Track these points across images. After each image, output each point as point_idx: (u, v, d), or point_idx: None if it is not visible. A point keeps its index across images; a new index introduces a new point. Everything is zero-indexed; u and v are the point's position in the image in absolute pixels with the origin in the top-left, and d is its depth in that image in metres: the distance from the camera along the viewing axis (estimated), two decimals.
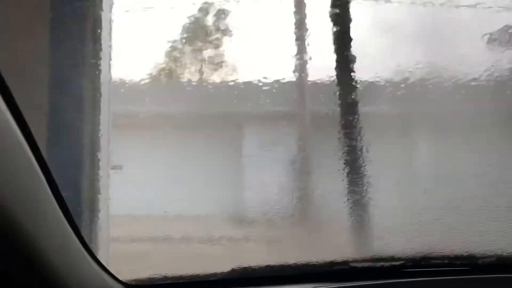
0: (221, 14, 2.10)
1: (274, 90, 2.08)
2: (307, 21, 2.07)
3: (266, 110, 2.11)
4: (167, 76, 2.07)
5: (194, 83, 2.11)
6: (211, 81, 2.21)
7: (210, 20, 2.09)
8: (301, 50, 2.04)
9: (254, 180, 2.06)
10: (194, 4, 2.06)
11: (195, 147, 2.00)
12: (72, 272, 0.82)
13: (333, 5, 2.00)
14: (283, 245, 1.83)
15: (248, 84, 2.07)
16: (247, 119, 2.14)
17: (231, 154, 2.07)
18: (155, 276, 1.05)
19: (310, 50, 2.04)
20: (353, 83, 1.96)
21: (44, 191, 0.73)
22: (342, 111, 1.92)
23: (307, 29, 2.05)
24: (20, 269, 0.73)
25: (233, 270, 1.10)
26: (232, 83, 2.10)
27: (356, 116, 1.90)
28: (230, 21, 2.10)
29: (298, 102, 2.05)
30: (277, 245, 1.86)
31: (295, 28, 2.05)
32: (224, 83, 2.21)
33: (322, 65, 2.06)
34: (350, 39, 1.98)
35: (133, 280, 1.00)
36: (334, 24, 1.99)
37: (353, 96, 1.95)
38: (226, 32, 2.20)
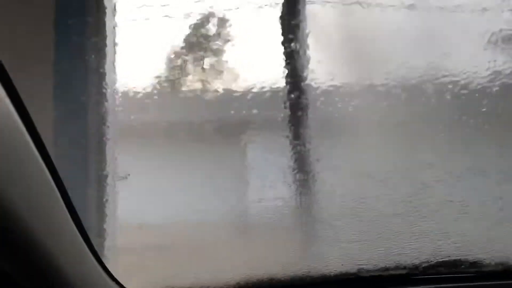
0: (222, 22, 2.11)
1: (277, 96, 2.08)
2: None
3: (269, 116, 2.11)
4: (169, 85, 2.08)
5: (196, 92, 2.12)
6: (213, 89, 2.22)
7: (211, 28, 2.11)
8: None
9: (257, 187, 2.06)
10: (195, 13, 2.07)
11: (199, 155, 2.00)
12: (80, 281, 0.82)
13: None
14: (288, 253, 1.82)
15: (249, 91, 2.08)
16: (250, 127, 2.14)
17: (235, 162, 2.07)
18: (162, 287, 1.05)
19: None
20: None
21: (55, 199, 0.73)
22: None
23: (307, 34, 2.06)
24: (27, 275, 0.73)
25: (238, 284, 1.10)
26: (234, 91, 2.10)
27: None
28: (231, 29, 2.12)
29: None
30: (281, 254, 1.85)
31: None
32: (226, 91, 2.22)
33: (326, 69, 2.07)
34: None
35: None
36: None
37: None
38: (227, 40, 2.22)
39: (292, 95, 2.00)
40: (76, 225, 0.81)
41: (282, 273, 1.52)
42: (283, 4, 2.00)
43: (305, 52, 1.99)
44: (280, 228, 1.84)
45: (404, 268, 1.42)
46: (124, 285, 0.97)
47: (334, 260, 1.75)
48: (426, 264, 1.61)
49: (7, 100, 0.60)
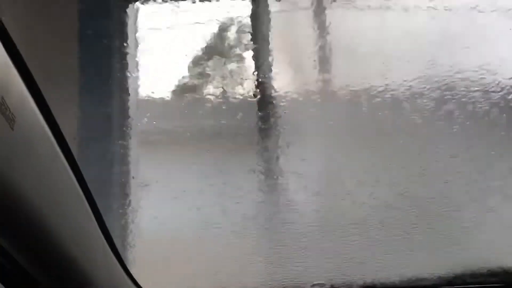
0: (243, 29, 2.12)
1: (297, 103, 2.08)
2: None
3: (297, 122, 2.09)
4: (191, 91, 2.09)
5: (217, 98, 2.13)
6: (234, 95, 2.23)
7: (232, 35, 2.12)
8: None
9: (281, 192, 2.05)
10: (216, 20, 2.09)
11: (221, 161, 2.01)
12: (105, 286, 0.83)
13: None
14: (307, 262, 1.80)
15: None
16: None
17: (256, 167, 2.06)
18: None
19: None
20: None
21: (82, 206, 0.74)
22: None
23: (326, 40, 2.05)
24: (55, 280, 0.74)
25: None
26: (255, 97, 2.11)
27: None
28: (251, 36, 2.12)
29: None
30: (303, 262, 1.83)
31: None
32: (247, 97, 2.23)
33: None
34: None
35: None
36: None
37: None
38: (248, 46, 2.22)
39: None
40: (102, 231, 0.82)
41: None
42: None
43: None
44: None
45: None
46: None
47: None
48: None
49: (36, 110, 0.61)
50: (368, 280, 1.63)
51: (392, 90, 2.00)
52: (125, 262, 0.94)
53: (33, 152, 0.60)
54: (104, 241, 0.83)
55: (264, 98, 2.09)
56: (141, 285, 1.03)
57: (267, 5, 2.17)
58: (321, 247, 1.74)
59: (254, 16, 2.15)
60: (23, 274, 0.70)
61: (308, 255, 1.73)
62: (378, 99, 1.99)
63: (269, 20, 2.14)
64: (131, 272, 0.98)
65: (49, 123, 0.64)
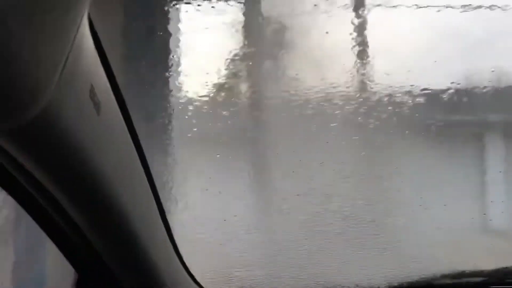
0: (281, 28, 2.11)
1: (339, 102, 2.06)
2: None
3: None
4: (228, 92, 2.09)
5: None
6: (271, 95, 2.21)
7: (269, 35, 2.11)
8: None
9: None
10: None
11: (262, 159, 2.00)
12: (168, 280, 0.83)
13: None
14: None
15: (309, 96, 2.06)
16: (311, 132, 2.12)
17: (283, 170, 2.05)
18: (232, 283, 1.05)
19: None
20: None
21: (152, 203, 0.75)
22: None
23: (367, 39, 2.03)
24: (130, 275, 0.74)
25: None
26: (293, 97, 2.09)
27: None
28: (289, 36, 2.11)
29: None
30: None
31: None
32: (282, 97, 2.21)
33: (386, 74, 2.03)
34: None
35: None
36: None
37: None
38: (285, 46, 2.21)
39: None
40: (165, 226, 0.83)
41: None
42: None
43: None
44: None
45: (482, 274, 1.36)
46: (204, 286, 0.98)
47: None
48: None
49: (115, 100, 0.62)
50: None
51: (433, 90, 1.97)
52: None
53: (113, 139, 0.61)
54: (166, 234, 0.84)
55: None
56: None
57: (304, 4, 2.16)
58: None
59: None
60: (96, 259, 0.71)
61: None
62: (420, 99, 1.96)
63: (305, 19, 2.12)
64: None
65: (123, 113, 0.66)
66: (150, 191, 0.75)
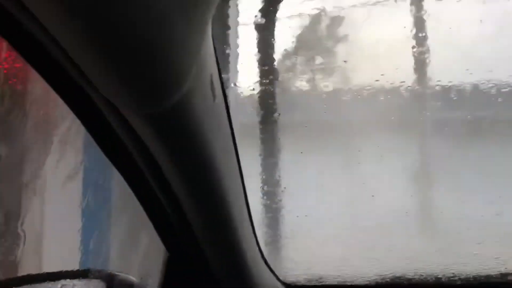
0: (336, 21, 2.07)
1: (392, 96, 2.01)
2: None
3: (384, 116, 2.04)
4: (281, 86, 2.07)
5: (308, 92, 2.10)
6: (325, 90, 2.18)
7: (324, 28, 2.07)
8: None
9: (373, 190, 2.00)
10: (307, 13, 2.05)
11: (309, 155, 1.98)
12: (255, 277, 0.83)
13: None
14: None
15: (365, 91, 2.02)
16: (366, 128, 2.08)
17: (345, 163, 2.02)
18: (312, 278, 1.03)
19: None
20: None
21: (244, 201, 0.76)
22: None
23: (427, 32, 1.97)
24: (228, 274, 0.76)
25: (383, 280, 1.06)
26: (347, 91, 2.06)
27: None
28: (344, 29, 2.07)
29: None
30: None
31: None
32: (338, 92, 2.18)
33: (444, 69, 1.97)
34: None
35: (291, 280, 0.99)
36: None
37: None
38: (340, 39, 2.17)
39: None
40: (251, 223, 0.83)
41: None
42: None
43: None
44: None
45: None
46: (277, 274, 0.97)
47: None
48: None
49: (221, 93, 0.63)
50: None
51: (497, 84, 1.90)
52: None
53: (221, 128, 0.63)
54: (251, 228, 0.83)
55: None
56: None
57: None
58: None
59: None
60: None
61: None
62: (483, 94, 1.89)
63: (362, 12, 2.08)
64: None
65: (226, 106, 0.67)
66: (241, 181, 0.75)
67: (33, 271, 1.34)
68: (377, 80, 1.84)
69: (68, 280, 0.75)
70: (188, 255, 0.77)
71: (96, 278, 0.76)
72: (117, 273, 0.76)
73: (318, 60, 2.07)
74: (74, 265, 1.23)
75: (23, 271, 1.29)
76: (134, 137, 0.57)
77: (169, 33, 0.41)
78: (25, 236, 1.33)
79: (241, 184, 0.76)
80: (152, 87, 0.46)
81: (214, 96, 0.58)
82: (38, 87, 1.35)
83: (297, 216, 1.70)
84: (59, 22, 0.40)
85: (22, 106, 1.31)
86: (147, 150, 0.59)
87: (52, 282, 0.74)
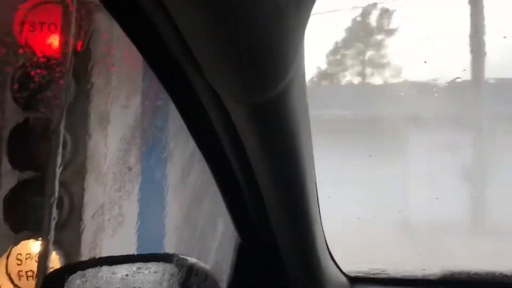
0: (385, 14, 2.04)
1: (445, 91, 1.97)
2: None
3: (437, 112, 2.00)
4: (329, 79, 2.06)
5: (357, 85, 2.08)
6: (374, 83, 2.16)
7: (373, 21, 2.05)
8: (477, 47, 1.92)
9: (421, 185, 1.97)
10: (359, 6, 2.03)
11: (359, 150, 1.95)
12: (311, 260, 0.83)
13: None
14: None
15: (415, 84, 1.98)
16: (414, 122, 2.04)
17: (397, 158, 1.99)
18: (375, 270, 1.02)
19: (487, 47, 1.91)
20: None
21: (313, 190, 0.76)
22: None
23: (483, 26, 1.92)
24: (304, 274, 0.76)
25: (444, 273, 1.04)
26: (396, 84, 2.02)
27: None
28: (394, 21, 2.04)
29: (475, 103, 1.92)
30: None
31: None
32: (388, 85, 2.14)
33: (499, 63, 1.92)
34: None
35: (354, 272, 0.98)
36: None
37: None
38: (390, 32, 2.14)
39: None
40: (320, 217, 0.83)
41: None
42: None
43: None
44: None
45: None
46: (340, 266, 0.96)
47: None
48: None
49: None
50: None
51: None
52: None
53: (303, 119, 0.63)
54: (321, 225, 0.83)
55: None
56: None
57: None
58: None
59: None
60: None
61: None
62: None
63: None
64: None
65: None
66: (314, 176, 0.75)
67: (95, 254, 1.37)
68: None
69: (142, 263, 0.77)
70: (261, 244, 0.78)
71: (169, 262, 0.76)
72: (188, 258, 0.77)
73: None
74: (142, 250, 1.27)
75: (85, 254, 1.33)
76: (229, 126, 0.58)
77: (283, 27, 0.44)
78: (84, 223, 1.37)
79: (315, 179, 0.77)
80: (261, 76, 0.47)
81: (305, 89, 0.58)
82: (101, 80, 1.39)
83: (359, 212, 1.66)
84: (188, 11, 0.42)
85: (87, 99, 1.35)
86: (238, 140, 0.60)
87: (131, 264, 0.75)
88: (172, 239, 1.26)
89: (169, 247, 1.38)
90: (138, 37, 0.54)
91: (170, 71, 0.57)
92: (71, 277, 0.74)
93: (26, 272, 1.37)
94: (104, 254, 1.37)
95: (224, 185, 0.72)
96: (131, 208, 1.46)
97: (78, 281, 0.74)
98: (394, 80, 2.04)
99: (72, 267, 0.78)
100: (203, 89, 0.57)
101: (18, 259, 1.37)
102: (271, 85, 0.49)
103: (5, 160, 1.38)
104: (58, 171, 1.31)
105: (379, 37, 2.08)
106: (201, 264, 0.81)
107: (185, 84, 0.57)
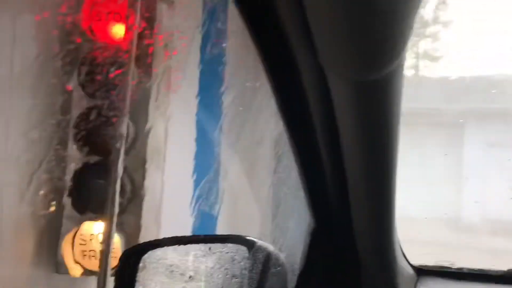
0: (441, 5, 2.00)
1: (500, 85, 1.92)
2: None
3: (490, 106, 1.96)
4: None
5: (409, 78, 2.05)
6: (428, 76, 2.12)
7: (428, 12, 2.01)
8: None
9: (475, 182, 1.93)
10: None
11: (408, 145, 1.92)
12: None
13: None
14: None
15: (471, 78, 1.95)
16: (468, 116, 2.01)
17: (451, 154, 1.95)
18: (442, 263, 1.02)
19: None
20: None
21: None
22: None
23: None
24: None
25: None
26: (451, 78, 1.99)
27: None
28: (450, 13, 2.00)
29: None
30: None
31: None
32: (443, 78, 2.11)
33: None
34: None
35: (421, 265, 0.98)
36: None
37: None
38: (446, 24, 2.10)
39: None
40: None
41: None
42: None
43: None
44: None
45: None
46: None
47: None
48: None
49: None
50: None
51: None
52: None
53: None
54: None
55: None
56: None
57: None
58: None
59: None
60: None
61: None
62: None
63: None
64: None
65: None
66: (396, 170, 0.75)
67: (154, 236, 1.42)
68: None
69: (214, 244, 0.79)
70: (336, 230, 0.78)
71: (238, 243, 0.78)
72: (256, 240, 0.78)
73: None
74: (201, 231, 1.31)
75: (145, 237, 1.38)
76: (327, 107, 0.58)
77: (405, 5, 0.45)
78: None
79: (396, 169, 0.76)
80: (380, 51, 0.47)
81: (404, 77, 0.58)
82: (162, 70, 1.43)
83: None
84: None
85: (149, 90, 1.40)
86: (333, 121, 0.60)
87: (204, 244, 0.78)
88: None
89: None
90: (251, 16, 0.55)
91: (278, 53, 0.58)
92: (148, 253, 0.77)
93: (89, 251, 1.43)
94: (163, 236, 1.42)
95: (307, 168, 0.72)
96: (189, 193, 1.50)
97: (154, 257, 0.77)
98: (448, 73, 2.00)
99: (149, 244, 0.81)
100: (309, 70, 0.57)
101: (82, 240, 1.43)
102: (387, 61, 0.49)
103: (71, 144, 1.45)
104: (122, 156, 1.36)
105: (434, 28, 2.04)
106: (267, 245, 0.83)
107: (289, 67, 0.58)
